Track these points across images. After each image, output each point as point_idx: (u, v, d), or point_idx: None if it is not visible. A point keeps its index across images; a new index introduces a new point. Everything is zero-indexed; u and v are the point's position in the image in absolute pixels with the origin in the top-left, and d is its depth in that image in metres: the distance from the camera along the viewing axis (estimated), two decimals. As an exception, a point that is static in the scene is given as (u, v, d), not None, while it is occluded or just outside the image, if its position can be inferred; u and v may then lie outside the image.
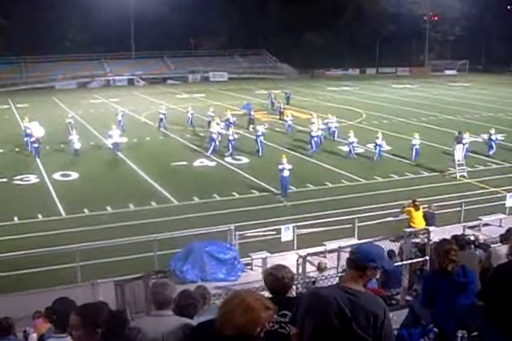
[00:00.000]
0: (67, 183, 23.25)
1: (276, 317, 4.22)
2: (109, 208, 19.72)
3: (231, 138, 27.71)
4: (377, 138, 26.43)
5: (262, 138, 27.95)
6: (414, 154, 25.91)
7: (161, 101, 45.80)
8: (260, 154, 27.46)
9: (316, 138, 27.83)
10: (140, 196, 21.03)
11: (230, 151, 27.49)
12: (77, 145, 27.48)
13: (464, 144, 25.75)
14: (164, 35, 69.05)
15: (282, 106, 37.87)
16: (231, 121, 32.17)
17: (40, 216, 18.96)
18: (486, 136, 28.33)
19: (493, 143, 27.16)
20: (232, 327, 3.17)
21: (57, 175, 24.14)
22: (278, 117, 36.88)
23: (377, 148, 26.27)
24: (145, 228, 17.39)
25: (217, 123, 30.00)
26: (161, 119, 34.53)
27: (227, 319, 3.18)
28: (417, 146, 25.93)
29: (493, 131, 27.38)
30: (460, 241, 7.62)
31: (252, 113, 34.94)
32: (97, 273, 13.63)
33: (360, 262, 3.56)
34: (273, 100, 42.10)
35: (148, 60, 67.99)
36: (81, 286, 12.78)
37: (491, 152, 26.95)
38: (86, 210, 19.48)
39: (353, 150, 26.88)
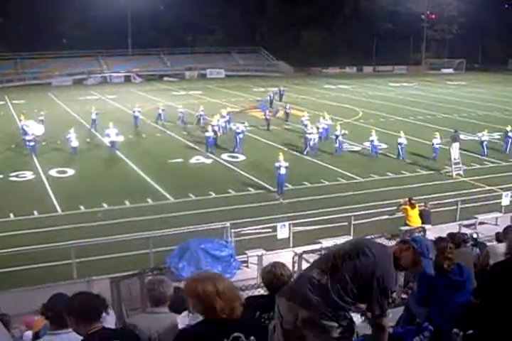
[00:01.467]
0: (64, 180, 23.19)
1: (272, 315, 4.22)
2: (105, 205, 19.69)
3: (208, 134, 27.61)
4: (400, 137, 26.21)
5: (241, 135, 27.79)
6: (434, 153, 25.61)
7: (158, 98, 45.80)
8: (236, 150, 27.33)
9: (340, 137, 27.19)
10: (136, 193, 20.97)
11: (209, 148, 27.52)
12: (75, 143, 27.35)
13: (483, 142, 26.39)
14: (161, 32, 68.96)
15: (288, 107, 35.99)
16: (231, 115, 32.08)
17: (35, 212, 18.91)
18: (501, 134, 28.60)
19: (510, 140, 27.01)
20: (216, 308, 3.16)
21: (53, 172, 24.07)
22: (284, 119, 35.31)
23: (399, 146, 26.08)
24: (141, 225, 17.37)
25: (223, 116, 29.88)
26: (136, 117, 33.94)
27: (208, 304, 3.17)
28: (437, 146, 25.60)
29: (509, 128, 27.30)
30: (456, 239, 7.64)
31: (267, 113, 33.89)
32: (92, 270, 13.63)
33: (407, 238, 3.90)
34: (272, 98, 41.88)
35: (145, 56, 67.84)
36: (77, 283, 12.71)
37: (508, 149, 26.94)
38: (82, 207, 19.45)
39: (374, 147, 26.72)
